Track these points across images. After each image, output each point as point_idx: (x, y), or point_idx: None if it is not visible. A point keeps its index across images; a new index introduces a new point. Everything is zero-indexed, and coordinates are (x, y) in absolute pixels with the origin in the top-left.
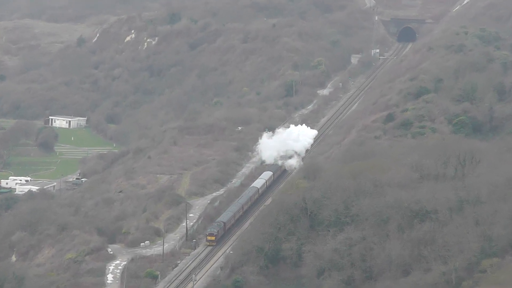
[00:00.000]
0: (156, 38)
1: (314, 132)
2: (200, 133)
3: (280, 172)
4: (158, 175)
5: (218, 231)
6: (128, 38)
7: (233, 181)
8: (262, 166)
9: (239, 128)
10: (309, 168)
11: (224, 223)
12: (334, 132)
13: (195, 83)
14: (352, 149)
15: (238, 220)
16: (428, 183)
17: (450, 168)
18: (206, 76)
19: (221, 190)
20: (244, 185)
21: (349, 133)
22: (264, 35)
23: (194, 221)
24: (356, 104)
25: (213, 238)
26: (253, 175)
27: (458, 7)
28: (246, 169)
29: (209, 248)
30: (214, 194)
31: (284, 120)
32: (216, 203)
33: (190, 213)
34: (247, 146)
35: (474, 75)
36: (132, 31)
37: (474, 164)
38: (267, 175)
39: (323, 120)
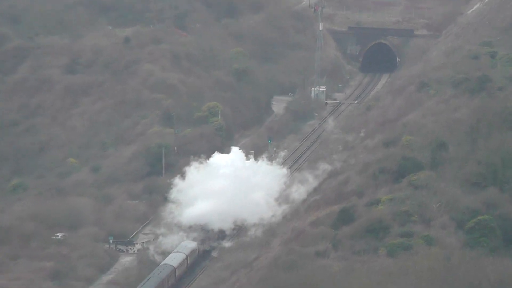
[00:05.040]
0: None
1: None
2: None
3: (208, 245)
4: None
5: None
6: None
7: None
8: None
9: (59, 235)
10: None
11: None
12: (240, 245)
13: None
14: (273, 276)
15: None
16: None
17: None
18: None
19: None
20: None
21: (269, 246)
22: (109, 59)
23: None
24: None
25: None
26: None
27: (477, 6)
28: None
29: None
30: None
31: (146, 221)
32: None
33: None
34: (75, 269)
35: (507, 135)
36: None
37: None
38: (187, 247)
39: None
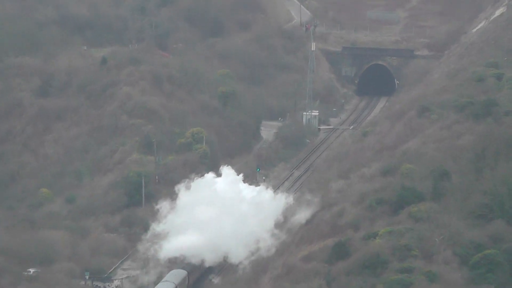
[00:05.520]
0: None
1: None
2: None
3: (199, 274)
4: None
5: None
6: None
7: None
8: None
9: (31, 271)
10: None
11: None
12: (225, 280)
13: None
14: None
15: None
16: None
17: None
18: None
19: None
20: None
21: (256, 283)
22: (85, 81)
23: None
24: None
25: None
26: None
27: (482, 24)
28: None
29: None
30: None
31: (124, 255)
32: None
33: None
34: None
35: None
36: None
37: None
38: (176, 276)
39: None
